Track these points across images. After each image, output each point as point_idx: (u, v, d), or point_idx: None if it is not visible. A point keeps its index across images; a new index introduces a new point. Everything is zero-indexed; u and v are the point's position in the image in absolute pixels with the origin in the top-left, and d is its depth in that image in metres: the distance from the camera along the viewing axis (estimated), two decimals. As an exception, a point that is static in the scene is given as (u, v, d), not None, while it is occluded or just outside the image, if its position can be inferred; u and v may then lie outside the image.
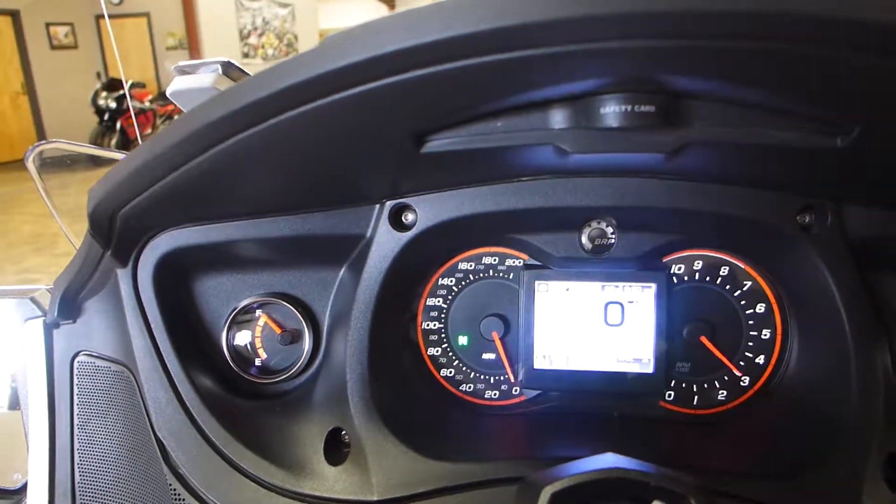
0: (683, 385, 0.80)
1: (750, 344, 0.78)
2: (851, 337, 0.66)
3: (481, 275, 0.81)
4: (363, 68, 0.46)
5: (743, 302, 0.78)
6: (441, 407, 0.81)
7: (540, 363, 0.79)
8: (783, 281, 0.76)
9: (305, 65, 0.48)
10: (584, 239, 0.75)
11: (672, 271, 0.78)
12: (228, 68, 0.78)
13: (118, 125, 9.54)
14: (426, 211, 0.71)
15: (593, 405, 0.80)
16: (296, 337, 0.80)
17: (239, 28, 12.41)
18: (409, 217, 0.71)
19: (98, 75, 10.08)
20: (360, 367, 0.71)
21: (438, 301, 0.82)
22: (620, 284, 0.76)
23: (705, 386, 0.80)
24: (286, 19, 13.54)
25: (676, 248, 0.77)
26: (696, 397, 0.80)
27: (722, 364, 0.79)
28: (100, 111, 9.58)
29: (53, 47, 11.02)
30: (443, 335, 0.82)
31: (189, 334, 0.78)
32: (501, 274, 0.80)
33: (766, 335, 0.78)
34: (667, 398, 0.81)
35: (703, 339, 0.77)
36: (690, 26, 0.41)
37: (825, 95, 0.50)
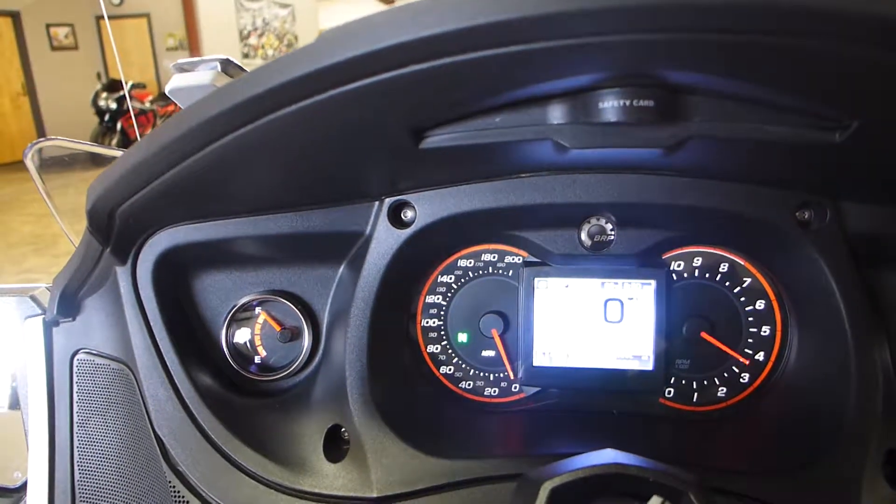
0: (683, 382, 0.80)
1: (750, 340, 0.78)
2: (851, 333, 0.66)
3: (481, 272, 0.81)
4: (361, 64, 0.46)
5: (742, 298, 0.78)
6: (440, 404, 0.81)
7: (539, 360, 0.79)
8: (782, 277, 0.76)
9: (303, 60, 0.47)
10: (583, 236, 0.75)
11: (672, 268, 0.78)
12: (227, 66, 0.78)
13: (119, 126, 9.54)
14: (425, 208, 0.71)
15: (593, 402, 0.80)
16: (295, 334, 0.80)
17: (239, 29, 12.41)
18: (408, 214, 0.71)
19: (98, 76, 10.08)
20: (360, 364, 0.71)
21: (438, 298, 0.82)
22: (620, 281, 0.76)
23: (705, 383, 0.80)
24: (286, 20, 13.54)
25: (676, 245, 0.77)
26: (695, 394, 0.80)
27: (722, 360, 0.79)
28: (100, 112, 9.59)
29: (54, 48, 11.02)
30: (442, 332, 0.82)
31: (188, 332, 0.78)
32: (501, 271, 0.80)
33: (765, 332, 0.78)
34: (666, 395, 0.81)
35: (704, 335, 0.77)
36: (687, 20, 0.41)
37: (823, 90, 0.50)
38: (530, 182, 0.69)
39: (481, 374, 0.83)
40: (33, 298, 0.78)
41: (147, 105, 9.72)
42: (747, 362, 0.78)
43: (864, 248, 0.67)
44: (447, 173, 0.68)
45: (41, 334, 0.76)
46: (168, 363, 0.73)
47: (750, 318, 0.78)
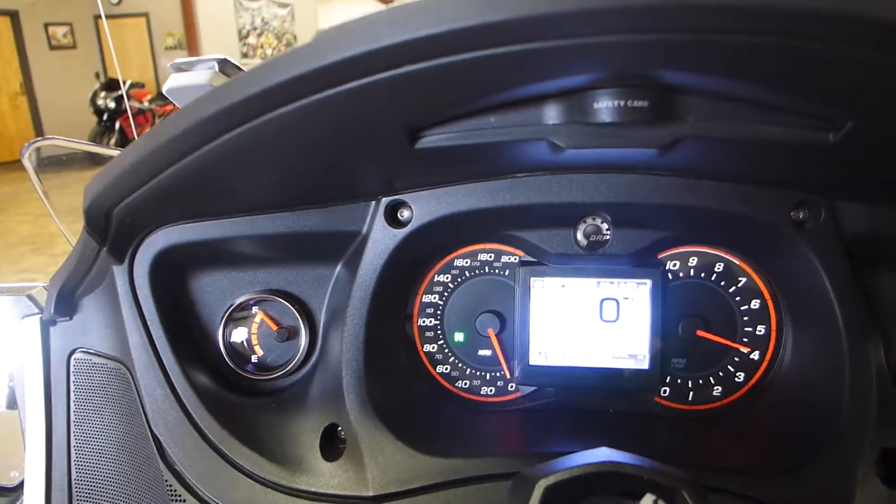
0: (678, 381, 0.80)
1: (745, 340, 0.78)
2: (845, 333, 0.67)
3: (477, 271, 0.81)
4: (357, 63, 0.46)
5: (738, 298, 0.78)
6: (437, 403, 0.81)
7: (536, 359, 0.79)
8: (778, 277, 0.76)
9: (300, 60, 0.48)
10: (579, 235, 0.75)
11: (667, 268, 0.78)
12: (225, 65, 0.79)
13: (117, 125, 9.53)
14: (422, 207, 0.71)
15: (589, 401, 0.80)
16: (292, 334, 0.80)
17: (238, 28, 12.40)
18: (404, 213, 0.72)
19: (97, 75, 10.07)
20: (356, 363, 0.72)
21: (434, 298, 0.82)
22: (616, 281, 0.77)
23: (700, 382, 0.80)
24: (285, 19, 13.54)
25: (671, 245, 0.77)
26: (691, 393, 0.80)
27: (717, 360, 0.79)
28: (99, 111, 9.58)
29: (52, 47, 11.01)
30: (439, 332, 0.82)
31: (185, 331, 0.78)
32: (497, 270, 0.81)
33: (760, 331, 0.78)
34: (662, 394, 0.81)
35: (701, 333, 0.77)
36: (682, 21, 0.41)
37: (817, 91, 0.50)
38: (526, 182, 0.69)
39: (478, 373, 0.83)
40: (30, 298, 0.78)
41: (146, 104, 9.71)
42: (748, 349, 0.78)
43: (859, 248, 0.67)
44: (443, 173, 0.68)
45: (38, 333, 0.76)
46: (165, 362, 0.73)
47: (745, 318, 0.78)
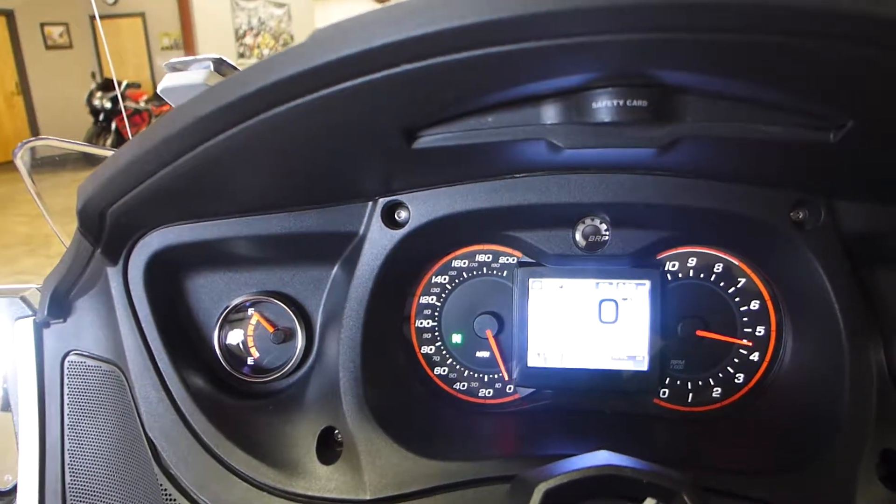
0: (678, 382, 0.80)
1: (744, 341, 0.78)
2: (845, 333, 0.66)
3: (475, 272, 0.80)
4: (352, 63, 0.46)
5: (737, 299, 0.77)
6: (435, 405, 0.80)
7: (534, 361, 0.78)
8: (777, 278, 0.75)
9: (294, 60, 0.47)
10: (577, 236, 0.74)
11: (666, 268, 0.78)
12: (220, 65, 0.78)
13: (113, 125, 9.50)
14: (419, 208, 0.70)
15: (588, 403, 0.80)
16: (288, 335, 0.79)
17: (234, 28, 12.38)
18: (401, 214, 0.71)
19: (93, 75, 10.05)
20: (353, 365, 0.71)
21: (432, 299, 0.81)
22: (615, 282, 0.76)
23: (700, 383, 0.80)
24: (282, 19, 13.51)
25: (670, 245, 0.77)
26: (690, 395, 0.80)
27: (716, 361, 0.78)
28: (95, 111, 9.55)
29: (48, 47, 10.98)
30: (436, 333, 0.82)
31: (180, 333, 0.77)
32: (495, 271, 0.80)
33: (760, 332, 0.78)
34: (661, 396, 0.80)
35: (700, 333, 0.77)
36: (680, 19, 0.41)
37: (818, 90, 0.49)
38: (524, 182, 0.69)
39: (476, 375, 0.82)
40: (24, 300, 0.77)
41: (142, 105, 9.68)
42: (751, 343, 0.78)
43: (859, 248, 0.67)
44: (441, 173, 0.68)
45: (32, 336, 0.75)
46: (160, 364, 0.72)
47: (744, 319, 0.78)
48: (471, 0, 0.41)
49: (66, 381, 0.74)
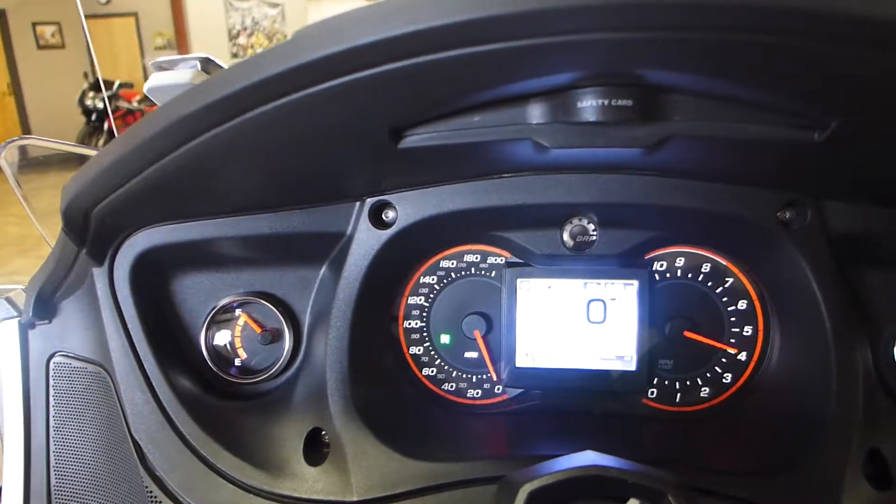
0: (666, 382, 0.80)
1: (732, 340, 0.78)
2: (832, 333, 0.66)
3: (463, 273, 0.80)
4: (336, 61, 0.45)
5: (725, 299, 0.77)
6: (423, 406, 0.80)
7: (522, 361, 0.78)
8: (764, 277, 0.76)
9: (279, 58, 0.47)
10: (565, 236, 0.74)
11: (654, 268, 0.78)
12: (207, 64, 0.77)
13: (106, 126, 9.45)
14: (406, 208, 0.70)
15: (576, 403, 0.80)
16: (276, 336, 0.79)
17: (228, 28, 12.34)
18: (389, 214, 0.71)
19: (85, 75, 9.98)
20: (340, 366, 0.71)
21: (420, 300, 0.81)
22: (602, 282, 0.76)
23: (688, 383, 0.80)
24: (276, 19, 13.48)
25: (658, 245, 0.77)
26: (678, 394, 0.80)
27: (704, 361, 0.78)
28: (87, 112, 9.49)
29: (40, 47, 10.91)
30: (425, 334, 0.82)
31: (167, 334, 0.77)
32: (483, 272, 0.80)
33: (747, 332, 0.78)
34: (650, 396, 0.80)
35: (688, 333, 0.77)
36: (664, 19, 0.41)
37: (801, 89, 0.49)
38: (512, 182, 0.68)
39: (464, 375, 0.82)
40: (8, 301, 0.76)
41: (135, 105, 9.63)
42: (735, 350, 0.78)
43: (846, 249, 0.67)
44: (428, 173, 0.68)
45: (17, 337, 0.75)
46: (146, 366, 0.72)
47: (732, 318, 0.78)
48: None
49: (51, 382, 0.74)
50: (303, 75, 0.47)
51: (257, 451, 0.70)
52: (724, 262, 0.77)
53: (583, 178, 0.68)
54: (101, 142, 9.21)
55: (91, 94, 9.49)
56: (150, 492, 0.69)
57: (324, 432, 0.71)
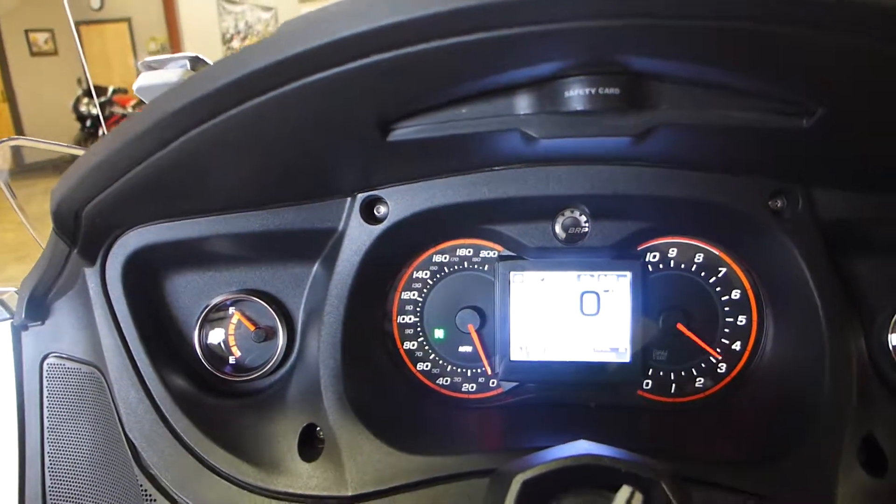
0: (661, 374, 0.80)
1: (726, 330, 0.78)
2: (825, 321, 0.66)
3: (456, 267, 0.80)
4: (321, 54, 0.45)
5: (718, 289, 0.77)
6: (417, 401, 0.80)
7: (517, 355, 0.78)
8: (757, 267, 0.76)
9: (263, 52, 0.47)
10: (557, 228, 0.74)
11: (647, 259, 0.78)
12: (196, 63, 0.77)
13: (101, 132, 9.44)
14: (398, 203, 0.70)
15: (571, 396, 0.80)
16: (270, 334, 0.79)
17: (221, 32, 12.32)
18: (380, 209, 0.71)
19: (79, 81, 9.96)
20: (334, 361, 0.71)
21: (413, 294, 0.81)
22: (596, 274, 0.76)
23: (683, 374, 0.80)
24: (269, 23, 13.46)
25: (651, 236, 0.77)
26: (673, 385, 0.80)
27: (699, 351, 0.78)
28: (81, 118, 9.48)
29: (33, 54, 10.89)
30: (418, 329, 0.81)
31: (160, 333, 0.77)
32: (476, 266, 0.80)
33: (741, 321, 0.78)
34: (645, 387, 0.80)
35: (680, 326, 0.77)
36: (650, 5, 0.41)
37: (786, 76, 0.50)
38: (503, 175, 0.68)
39: (459, 369, 0.82)
40: (1, 302, 0.76)
41: (129, 110, 9.60)
42: (720, 356, 0.78)
43: (837, 237, 0.67)
44: (419, 167, 0.67)
45: (10, 339, 0.74)
46: (139, 365, 0.72)
47: (726, 308, 0.78)
48: None
49: (45, 383, 0.74)
50: (288, 69, 0.47)
51: (252, 448, 0.70)
52: (717, 252, 0.77)
53: (573, 170, 0.68)
54: (96, 147, 9.17)
55: (85, 100, 9.47)
56: (145, 490, 0.69)
57: (318, 428, 0.71)
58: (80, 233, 0.68)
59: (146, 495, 0.69)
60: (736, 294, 0.77)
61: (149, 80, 0.76)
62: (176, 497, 0.68)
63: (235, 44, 12.62)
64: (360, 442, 0.68)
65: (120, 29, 11.42)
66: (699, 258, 0.77)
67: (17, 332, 0.75)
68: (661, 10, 0.41)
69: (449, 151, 0.62)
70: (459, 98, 0.55)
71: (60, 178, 0.63)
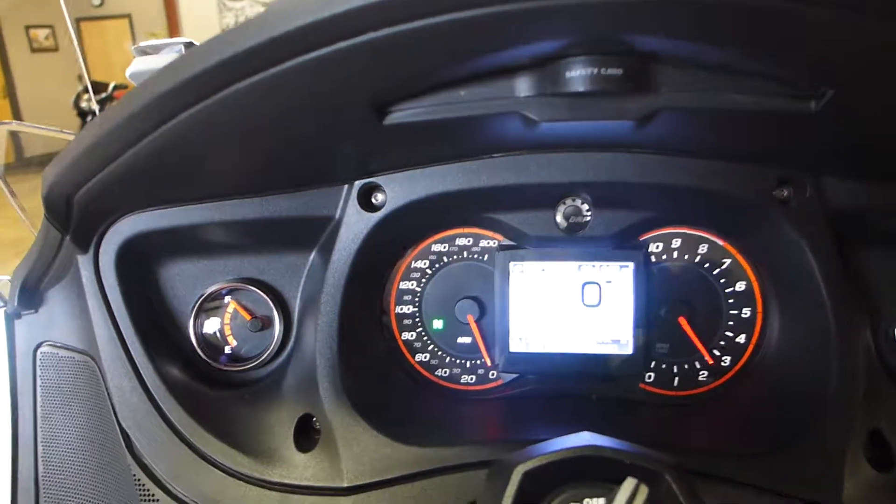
0: (663, 366, 0.79)
1: (730, 323, 0.77)
2: (832, 313, 0.65)
3: (455, 256, 0.79)
4: (312, 32, 0.44)
5: (722, 280, 0.76)
6: (415, 392, 0.79)
7: (516, 346, 0.77)
8: (763, 257, 0.74)
9: (253, 31, 0.45)
10: (558, 217, 0.73)
11: (650, 250, 0.76)
12: (190, 49, 0.76)
13: (101, 127, 9.40)
14: (396, 190, 0.69)
15: (572, 388, 0.78)
16: (266, 323, 0.78)
17: (222, 28, 12.27)
18: (378, 197, 0.70)
19: (79, 78, 9.94)
20: (330, 351, 0.69)
21: (412, 284, 0.80)
22: (597, 264, 0.75)
23: (685, 367, 0.78)
24: (270, 19, 13.45)
25: (654, 226, 0.75)
26: (676, 378, 0.79)
27: (702, 344, 0.77)
28: (82, 114, 9.46)
29: (34, 50, 10.88)
30: (417, 319, 0.80)
31: (154, 322, 0.76)
32: (476, 255, 0.79)
33: (746, 314, 0.76)
34: (647, 380, 0.79)
35: (681, 321, 0.76)
36: None
37: (795, 56, 0.48)
38: (503, 162, 0.67)
39: (458, 361, 0.81)
40: (-7, 291, 0.75)
41: (130, 106, 9.58)
42: (711, 362, 0.77)
43: (845, 226, 0.66)
44: (417, 153, 0.66)
45: (2, 327, 0.73)
46: (133, 354, 0.71)
47: (730, 300, 0.76)
48: None
49: (38, 372, 0.73)
50: (279, 48, 0.45)
51: (247, 439, 0.69)
52: (722, 243, 0.76)
53: (575, 157, 0.66)
54: (97, 143, 9.16)
55: (86, 96, 9.45)
56: (138, 479, 0.68)
57: (314, 419, 0.69)
58: (73, 219, 0.66)
59: (139, 485, 0.68)
60: (741, 286, 0.76)
61: (142, 66, 0.74)
62: (170, 487, 0.67)
63: (236, 40, 12.59)
64: (356, 433, 0.67)
65: (120, 25, 11.39)
66: (703, 249, 0.76)
67: (10, 320, 0.74)
68: None
69: (447, 137, 0.61)
70: (458, 80, 0.54)
71: (51, 163, 0.62)
